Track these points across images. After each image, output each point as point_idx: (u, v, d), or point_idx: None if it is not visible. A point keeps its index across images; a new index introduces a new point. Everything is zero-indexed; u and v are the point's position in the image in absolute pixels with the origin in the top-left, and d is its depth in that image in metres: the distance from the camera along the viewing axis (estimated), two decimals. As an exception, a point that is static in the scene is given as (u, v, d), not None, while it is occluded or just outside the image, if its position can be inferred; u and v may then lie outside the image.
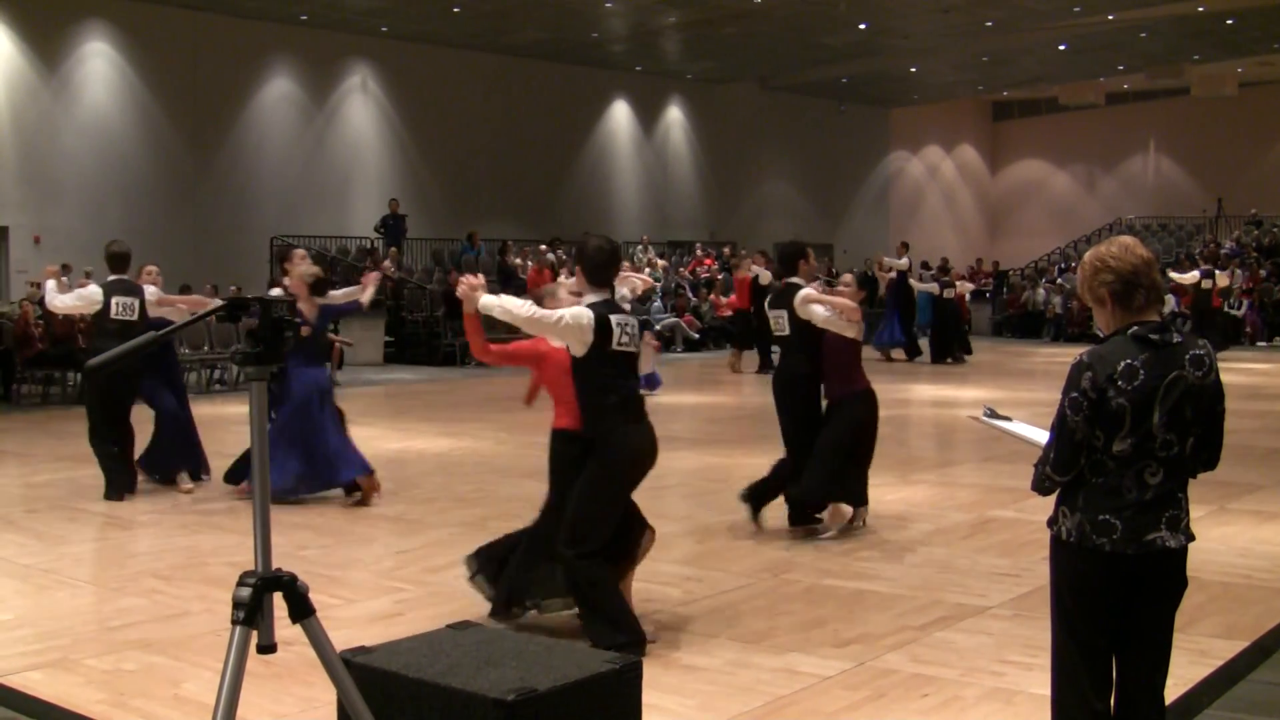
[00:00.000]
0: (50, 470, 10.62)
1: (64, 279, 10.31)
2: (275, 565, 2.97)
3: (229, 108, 24.48)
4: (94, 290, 9.47)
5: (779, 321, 7.87)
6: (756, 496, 7.92)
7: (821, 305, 7.64)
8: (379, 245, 24.79)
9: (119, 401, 9.31)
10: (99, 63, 22.74)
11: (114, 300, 9.35)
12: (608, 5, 24.58)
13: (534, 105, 28.91)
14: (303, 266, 9.32)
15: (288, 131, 25.52)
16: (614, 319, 5.33)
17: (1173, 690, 3.93)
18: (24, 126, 21.75)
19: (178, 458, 9.66)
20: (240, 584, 2.92)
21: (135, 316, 9.37)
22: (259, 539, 2.98)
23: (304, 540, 7.71)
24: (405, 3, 23.83)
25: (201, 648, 5.42)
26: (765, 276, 19.16)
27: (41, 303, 16.82)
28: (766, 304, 8.25)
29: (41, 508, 8.86)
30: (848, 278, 8.60)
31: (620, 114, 31.73)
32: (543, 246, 25.02)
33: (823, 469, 7.56)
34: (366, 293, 9.89)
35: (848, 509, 7.94)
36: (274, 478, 8.73)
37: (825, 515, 7.91)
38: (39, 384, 16.62)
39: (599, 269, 5.45)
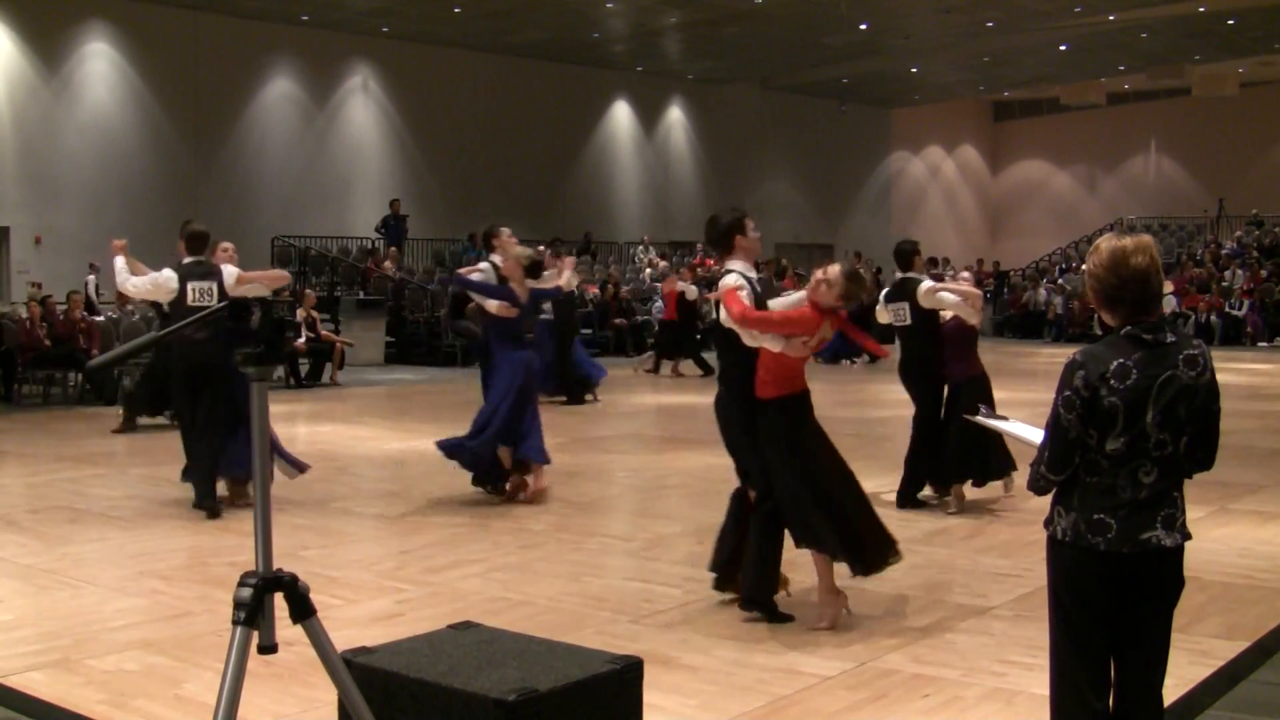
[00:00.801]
0: (51, 470, 10.62)
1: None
2: (276, 565, 2.98)
3: (229, 108, 24.48)
4: (169, 275, 8.64)
5: (899, 313, 8.44)
6: (908, 497, 8.54)
7: (950, 293, 8.25)
8: (380, 245, 24.80)
9: (200, 392, 8.52)
10: (99, 63, 22.75)
11: (190, 285, 8.58)
12: (608, 5, 24.58)
13: (535, 105, 28.89)
14: (517, 249, 9.00)
15: (288, 132, 25.51)
16: None
17: (1173, 690, 3.93)
18: (24, 126, 21.76)
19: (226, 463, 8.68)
20: (241, 584, 2.93)
21: (214, 301, 8.57)
22: (260, 539, 2.99)
23: (305, 540, 7.72)
24: (406, 3, 23.83)
25: (202, 648, 5.42)
26: (691, 292, 19.61)
27: (44, 302, 16.86)
28: (883, 297, 8.78)
29: (42, 508, 8.85)
30: (966, 273, 9.02)
31: (621, 114, 31.71)
32: (542, 246, 24.98)
33: (952, 454, 8.39)
34: (564, 275, 9.99)
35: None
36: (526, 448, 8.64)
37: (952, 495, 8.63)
38: (40, 384, 16.64)
39: (712, 242, 5.91)
